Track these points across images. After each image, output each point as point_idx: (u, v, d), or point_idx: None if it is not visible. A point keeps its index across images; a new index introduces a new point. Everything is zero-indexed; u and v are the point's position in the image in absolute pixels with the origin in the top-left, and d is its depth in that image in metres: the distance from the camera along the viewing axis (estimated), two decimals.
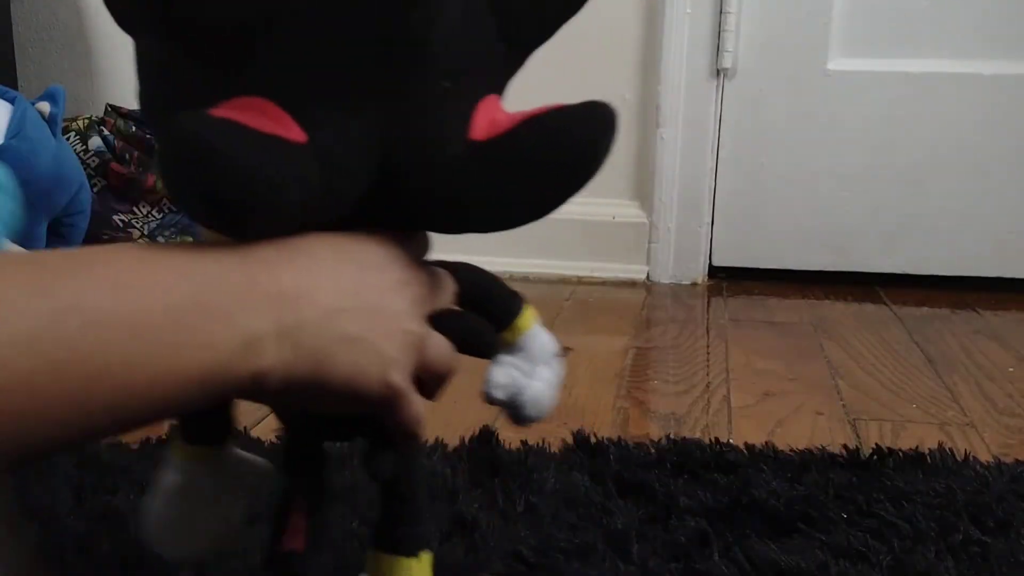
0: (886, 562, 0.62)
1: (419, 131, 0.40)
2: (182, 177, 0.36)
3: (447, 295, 0.46)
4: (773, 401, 0.98)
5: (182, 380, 0.33)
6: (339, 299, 0.38)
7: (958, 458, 0.80)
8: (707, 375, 1.07)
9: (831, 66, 1.47)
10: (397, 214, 0.43)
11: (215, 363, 0.34)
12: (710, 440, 0.83)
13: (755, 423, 0.92)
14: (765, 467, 0.77)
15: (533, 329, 0.53)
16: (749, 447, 0.82)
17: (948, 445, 0.83)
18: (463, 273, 0.50)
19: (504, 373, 0.52)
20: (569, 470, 0.76)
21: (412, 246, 0.44)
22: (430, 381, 0.45)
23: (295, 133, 0.37)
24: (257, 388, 0.36)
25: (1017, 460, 0.80)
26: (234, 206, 0.36)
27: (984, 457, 0.81)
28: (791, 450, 0.81)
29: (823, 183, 1.50)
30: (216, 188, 0.35)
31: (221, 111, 0.37)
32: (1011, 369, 1.10)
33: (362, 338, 0.38)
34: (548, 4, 0.45)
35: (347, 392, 0.39)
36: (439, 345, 0.44)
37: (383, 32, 0.38)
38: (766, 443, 0.82)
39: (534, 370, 0.52)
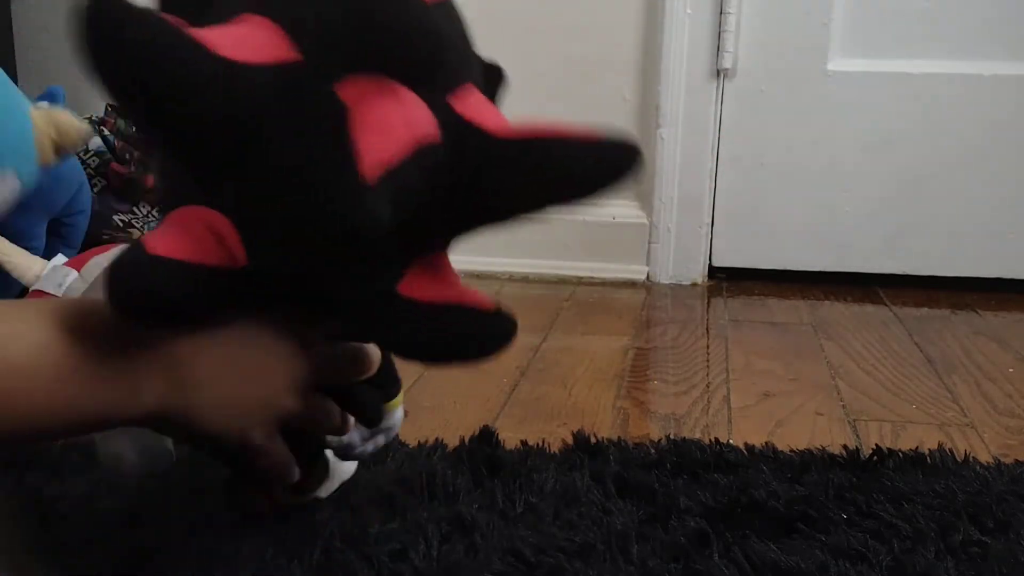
0: (886, 562, 0.62)
1: (348, 281, 0.46)
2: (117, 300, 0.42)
3: (353, 370, 0.54)
4: (773, 401, 0.98)
5: (79, 418, 0.44)
6: (219, 370, 0.47)
7: (958, 459, 0.79)
8: (707, 375, 1.07)
9: (831, 66, 1.47)
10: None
11: (114, 407, 0.44)
12: (710, 440, 0.83)
13: (755, 423, 0.92)
14: (765, 467, 0.77)
15: (399, 410, 0.65)
16: (749, 447, 0.82)
17: (948, 446, 0.83)
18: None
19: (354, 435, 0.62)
20: (569, 470, 0.76)
21: (320, 327, 0.52)
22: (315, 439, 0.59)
23: (236, 257, 0.43)
24: (138, 424, 0.47)
25: (1017, 461, 0.80)
26: (147, 324, 0.43)
27: (984, 458, 0.81)
28: (791, 450, 0.81)
29: (823, 183, 1.50)
30: (138, 306, 0.42)
31: (163, 236, 0.42)
32: (1011, 370, 1.10)
33: (229, 403, 0.48)
34: (517, 207, 0.47)
35: (209, 439, 0.50)
36: (319, 415, 0.54)
37: (328, 216, 0.42)
38: (766, 443, 0.82)
39: (374, 436, 0.64)
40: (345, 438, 0.61)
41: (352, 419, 0.57)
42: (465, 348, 0.49)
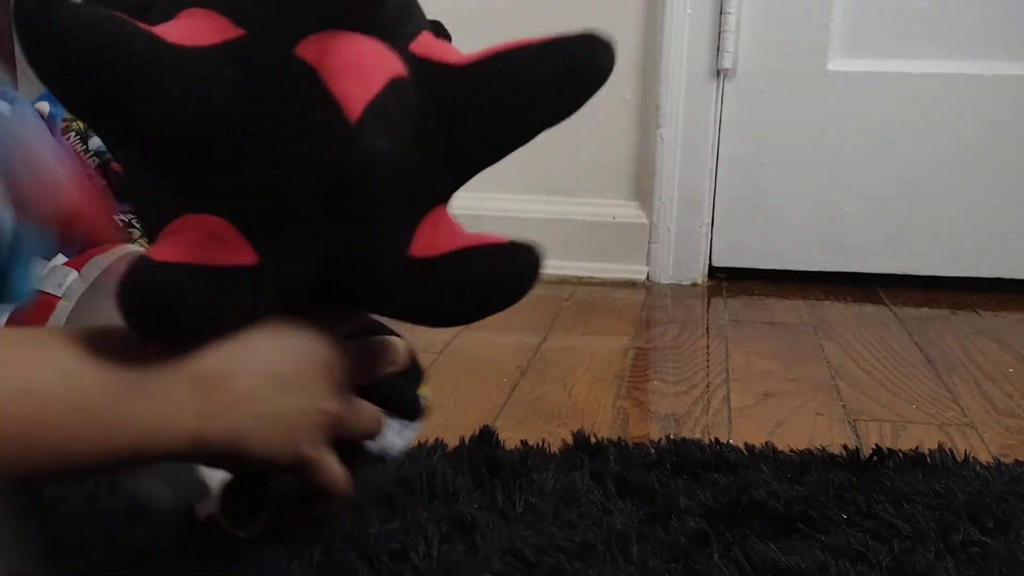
0: (886, 562, 0.62)
1: (360, 251, 0.44)
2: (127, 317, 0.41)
3: (384, 365, 0.52)
4: (773, 401, 0.98)
5: (115, 449, 0.41)
6: (257, 382, 0.44)
7: (958, 459, 0.79)
8: (707, 375, 1.07)
9: (831, 66, 1.47)
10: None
11: (151, 433, 0.41)
12: (710, 440, 0.83)
13: (755, 423, 0.92)
14: (765, 467, 0.77)
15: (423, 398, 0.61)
16: (749, 447, 0.82)
17: (948, 446, 0.83)
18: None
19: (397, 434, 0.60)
20: (569, 470, 0.76)
21: (344, 324, 0.49)
22: (355, 444, 0.53)
23: (244, 256, 0.42)
24: (181, 456, 0.44)
25: (1017, 461, 0.80)
26: (169, 337, 0.42)
27: (984, 458, 0.81)
28: (791, 450, 0.81)
29: (823, 183, 1.50)
30: (154, 326, 0.41)
31: (165, 246, 0.41)
32: (1011, 370, 1.10)
33: (274, 417, 0.45)
34: (497, 132, 0.46)
35: (261, 462, 0.46)
36: (358, 417, 0.50)
37: (326, 174, 0.41)
38: (766, 443, 0.82)
39: (403, 431, 0.61)
40: (384, 440, 0.58)
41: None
42: (494, 292, 0.47)
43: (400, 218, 0.45)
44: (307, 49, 0.41)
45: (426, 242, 0.45)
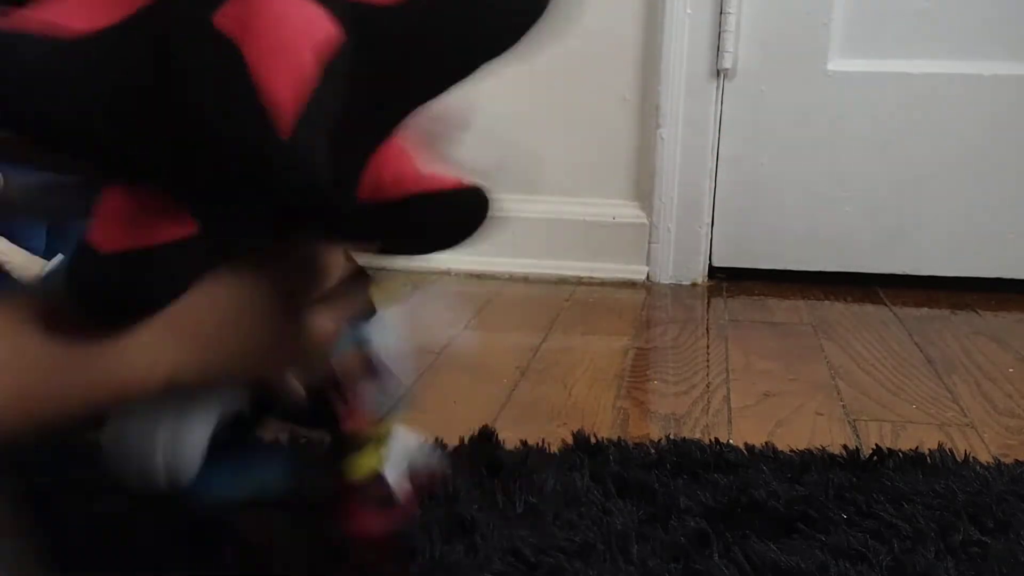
0: (886, 563, 0.62)
1: (305, 211, 0.43)
2: None
3: (326, 277, 0.50)
4: (773, 401, 0.98)
5: (90, 401, 0.42)
6: (226, 320, 0.45)
7: (958, 459, 0.80)
8: (707, 376, 1.07)
9: (831, 66, 1.47)
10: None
11: (120, 387, 0.42)
12: (710, 440, 0.83)
13: (755, 423, 0.92)
14: (765, 467, 0.77)
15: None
16: (749, 447, 0.82)
17: (948, 446, 0.83)
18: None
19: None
20: (569, 470, 0.76)
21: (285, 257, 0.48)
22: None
23: (183, 227, 0.40)
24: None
25: (1017, 461, 0.80)
26: (123, 320, 0.41)
27: (984, 458, 0.81)
28: (791, 450, 0.81)
29: (823, 183, 1.50)
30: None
31: (102, 229, 0.39)
32: (1011, 370, 1.10)
33: (246, 350, 0.47)
34: (436, 72, 0.43)
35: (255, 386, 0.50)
36: (315, 328, 0.49)
37: (256, 173, 0.38)
38: (766, 443, 0.82)
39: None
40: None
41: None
42: (441, 236, 0.47)
43: (342, 172, 0.42)
44: (227, 17, 0.35)
45: (371, 186, 0.44)
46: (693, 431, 0.89)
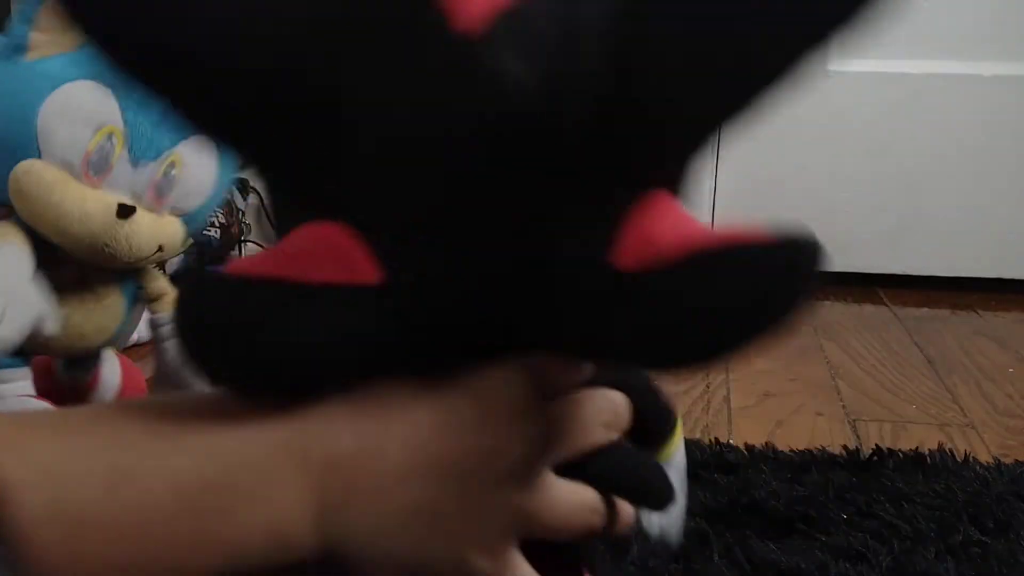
0: (886, 563, 0.62)
1: (537, 260, 0.29)
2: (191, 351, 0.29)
3: (594, 430, 0.34)
4: (773, 401, 0.98)
5: (204, 565, 0.29)
6: (409, 462, 0.30)
7: (958, 459, 0.79)
8: (707, 375, 1.07)
9: (831, 66, 1.47)
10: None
11: (234, 555, 0.29)
12: (710, 440, 0.83)
13: (755, 423, 0.92)
14: (765, 467, 0.77)
15: (679, 451, 0.42)
16: (749, 447, 0.82)
17: (948, 446, 0.83)
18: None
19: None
20: None
21: (543, 376, 0.32)
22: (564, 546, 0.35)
23: (362, 271, 0.28)
24: (290, 566, 0.30)
25: (1017, 461, 0.80)
26: (260, 384, 0.29)
27: (984, 458, 0.81)
28: (791, 450, 0.81)
29: (823, 183, 1.50)
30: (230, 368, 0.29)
31: (249, 260, 0.30)
32: (1011, 370, 1.10)
33: (433, 511, 0.30)
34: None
35: (410, 570, 0.31)
36: (556, 510, 0.33)
37: (452, 127, 0.27)
38: (766, 443, 0.82)
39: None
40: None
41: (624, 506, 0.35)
42: (755, 317, 0.30)
43: (588, 202, 0.29)
44: None
45: (638, 243, 0.29)
46: (693, 431, 0.89)
